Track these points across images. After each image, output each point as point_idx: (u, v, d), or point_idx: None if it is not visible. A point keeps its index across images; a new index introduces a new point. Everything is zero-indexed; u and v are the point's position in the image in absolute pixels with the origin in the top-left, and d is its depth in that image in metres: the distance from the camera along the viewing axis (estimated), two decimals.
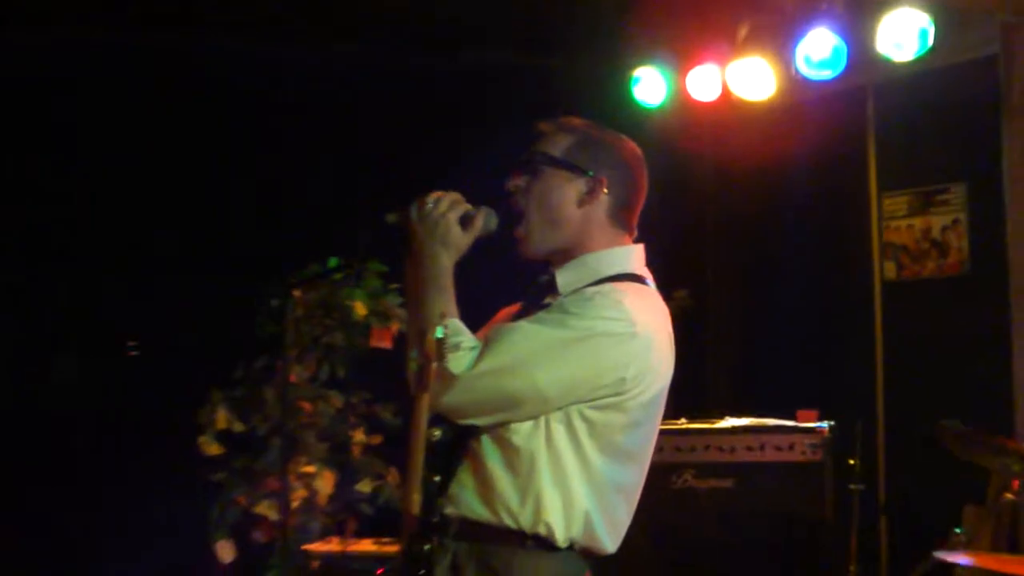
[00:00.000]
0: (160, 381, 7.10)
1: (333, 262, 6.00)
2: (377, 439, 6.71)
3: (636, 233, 3.59)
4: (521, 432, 3.37)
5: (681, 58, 7.26)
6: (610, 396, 3.39)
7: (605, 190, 3.47)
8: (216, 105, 7.52)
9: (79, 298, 7.44)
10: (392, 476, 6.67)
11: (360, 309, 6.59)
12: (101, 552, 7.02)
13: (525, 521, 3.35)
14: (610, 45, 7.66)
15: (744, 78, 6.88)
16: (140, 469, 6.86)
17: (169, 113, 7.46)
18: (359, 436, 6.78)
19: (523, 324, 3.44)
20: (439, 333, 3.07)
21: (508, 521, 3.35)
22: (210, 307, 7.18)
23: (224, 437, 6.57)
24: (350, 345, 6.70)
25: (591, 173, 3.46)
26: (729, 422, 5.99)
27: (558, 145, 3.50)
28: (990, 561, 4.84)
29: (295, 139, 7.58)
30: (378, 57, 7.72)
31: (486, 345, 3.37)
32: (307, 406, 6.54)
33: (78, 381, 7.55)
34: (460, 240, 3.38)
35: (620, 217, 3.54)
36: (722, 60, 6.97)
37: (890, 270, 7.48)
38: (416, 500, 3.12)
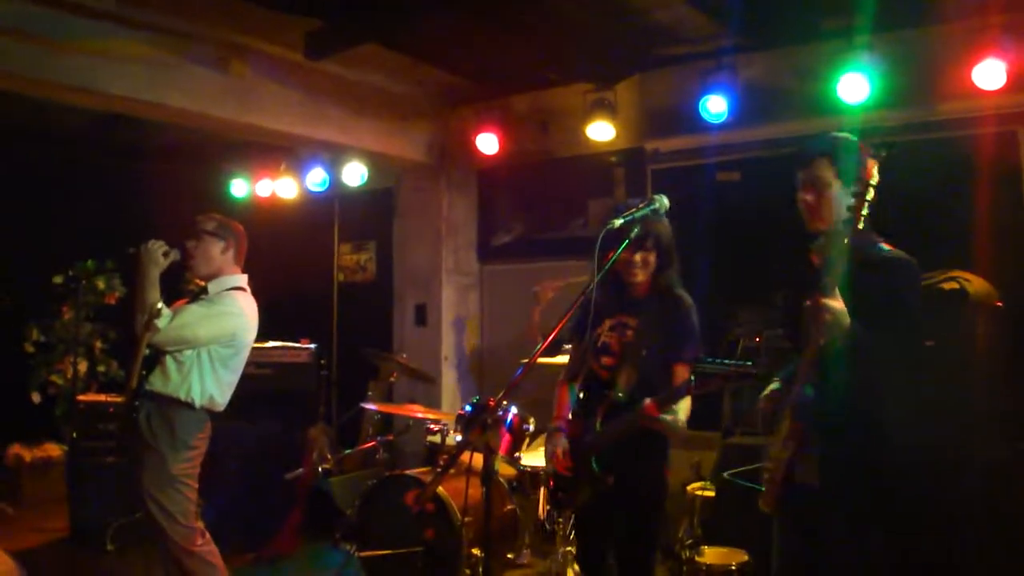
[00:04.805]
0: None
1: (91, 263, 8.54)
2: (105, 346, 8.71)
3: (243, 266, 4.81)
4: (186, 354, 4.52)
5: (255, 173, 9.46)
6: (229, 342, 4.61)
7: (232, 247, 4.76)
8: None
9: None
10: (113, 366, 8.67)
11: (101, 284, 8.59)
12: None
13: (183, 395, 4.50)
14: (217, 162, 9.75)
15: (283, 187, 9.26)
16: None
17: None
18: (99, 344, 8.69)
19: (192, 307, 4.58)
20: (159, 305, 4.36)
21: (173, 394, 4.50)
22: (37, 277, 8.42)
23: (36, 344, 8.56)
24: (97, 301, 8.63)
25: (226, 238, 4.72)
26: (271, 343, 7.40)
27: (209, 225, 4.73)
28: (386, 407, 6.48)
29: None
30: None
31: (174, 315, 4.45)
32: (74, 329, 8.33)
33: None
34: (162, 263, 4.48)
35: (237, 260, 4.81)
36: (273, 176, 9.25)
37: (341, 277, 10.02)
38: (135, 379, 4.52)
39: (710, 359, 3.61)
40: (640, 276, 4.11)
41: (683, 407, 3.85)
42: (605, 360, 4.11)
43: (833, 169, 3.41)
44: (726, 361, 3.55)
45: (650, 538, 4.06)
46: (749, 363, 3.51)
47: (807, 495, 3.29)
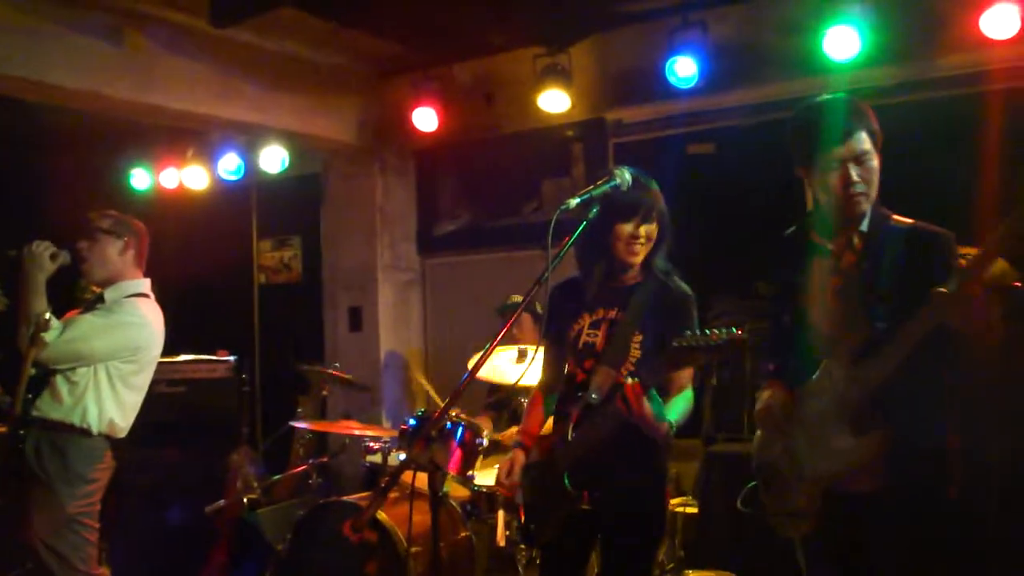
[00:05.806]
0: None
1: None
2: None
3: (144, 269, 4.80)
4: (80, 372, 4.48)
5: (158, 161, 9.22)
6: (130, 357, 4.60)
7: (132, 248, 4.77)
8: None
9: None
10: None
11: None
12: None
13: (77, 420, 4.48)
14: (112, 150, 9.46)
15: (191, 177, 9.04)
16: None
17: None
18: None
19: (87, 316, 4.59)
20: (47, 316, 4.30)
21: (66, 419, 4.48)
22: None
23: None
24: None
25: (125, 238, 4.71)
26: (182, 357, 7.37)
27: (104, 222, 4.71)
28: (318, 425, 6.54)
29: None
30: None
31: (66, 327, 4.45)
32: None
33: None
34: (49, 268, 4.45)
35: (138, 262, 4.79)
36: (180, 164, 9.05)
37: (262, 278, 9.93)
38: (19, 406, 4.39)
39: (690, 331, 3.42)
40: (641, 255, 3.91)
41: (676, 409, 3.71)
42: (588, 364, 3.92)
43: (871, 140, 3.38)
44: (709, 331, 3.34)
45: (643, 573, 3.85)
46: (736, 330, 3.28)
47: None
